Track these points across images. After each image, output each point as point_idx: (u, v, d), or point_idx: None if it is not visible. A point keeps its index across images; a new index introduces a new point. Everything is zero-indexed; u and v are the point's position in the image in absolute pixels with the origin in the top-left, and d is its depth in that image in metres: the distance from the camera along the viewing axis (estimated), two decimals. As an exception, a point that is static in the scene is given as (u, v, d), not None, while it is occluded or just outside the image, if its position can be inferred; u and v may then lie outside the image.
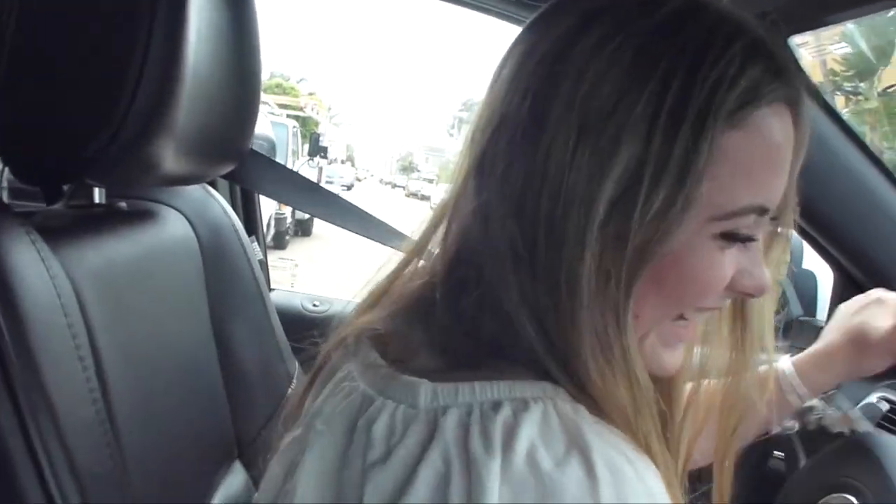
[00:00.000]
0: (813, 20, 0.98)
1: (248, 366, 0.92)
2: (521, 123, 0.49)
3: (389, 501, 0.45)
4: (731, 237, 0.50)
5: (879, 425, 1.10)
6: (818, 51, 12.96)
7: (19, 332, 0.54)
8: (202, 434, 0.84)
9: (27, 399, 0.54)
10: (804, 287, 1.46)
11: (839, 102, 13.65)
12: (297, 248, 9.44)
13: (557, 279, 0.47)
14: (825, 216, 1.16)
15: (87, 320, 0.61)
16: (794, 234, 1.32)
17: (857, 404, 1.18)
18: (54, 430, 0.56)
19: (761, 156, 0.49)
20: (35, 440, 0.55)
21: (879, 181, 1.12)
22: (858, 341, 0.84)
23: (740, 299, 0.57)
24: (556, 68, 0.48)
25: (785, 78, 0.49)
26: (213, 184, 1.08)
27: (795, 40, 1.06)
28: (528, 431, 0.44)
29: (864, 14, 0.94)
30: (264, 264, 1.51)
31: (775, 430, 0.86)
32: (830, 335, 0.88)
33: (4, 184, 0.79)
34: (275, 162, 1.09)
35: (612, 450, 0.44)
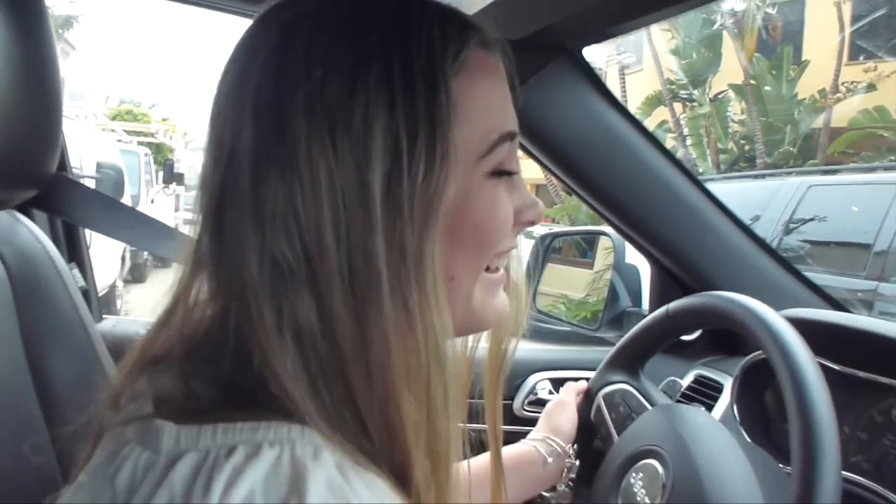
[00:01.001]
0: (597, 34, 1.07)
1: (67, 395, 0.89)
2: (262, 145, 0.48)
3: None
4: (500, 173, 0.54)
5: (683, 397, 1.21)
6: (656, 63, 13.76)
7: None
8: (19, 465, 0.82)
9: None
10: (630, 281, 1.57)
11: (678, 109, 14.64)
12: (161, 279, 9.03)
13: (352, 281, 0.47)
14: (638, 217, 1.26)
15: None
16: (615, 232, 1.43)
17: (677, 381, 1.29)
18: None
19: (489, 88, 0.55)
20: None
21: (682, 182, 1.23)
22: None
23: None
24: (282, 81, 0.49)
25: (476, 28, 0.55)
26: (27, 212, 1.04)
27: (591, 51, 1.15)
28: (252, 478, 0.42)
29: (642, 26, 1.03)
30: (92, 293, 1.45)
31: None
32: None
33: None
34: (80, 184, 1.06)
35: (334, 498, 0.42)
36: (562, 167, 1.24)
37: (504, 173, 0.55)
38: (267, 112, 0.48)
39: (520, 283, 0.66)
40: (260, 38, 0.52)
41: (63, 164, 1.12)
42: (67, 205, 1.02)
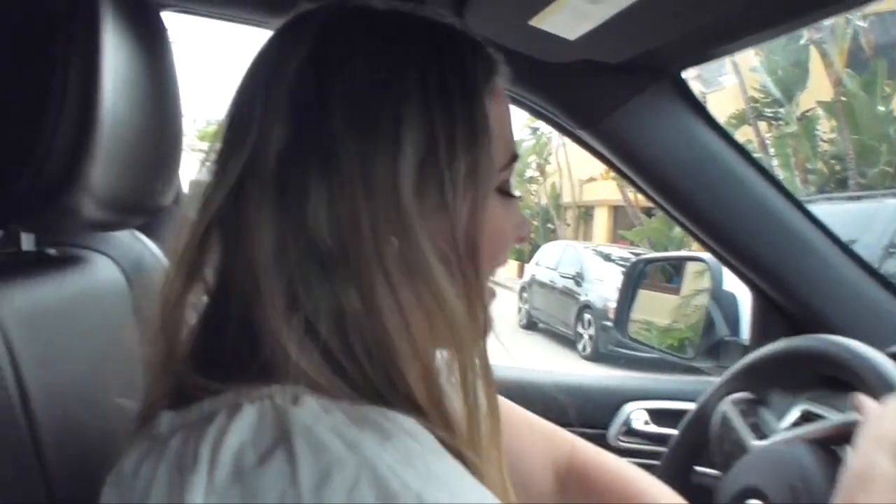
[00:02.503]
0: (698, 56, 1.06)
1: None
2: (295, 138, 0.51)
3: None
4: (507, 193, 0.59)
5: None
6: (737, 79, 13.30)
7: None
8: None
9: None
10: (727, 308, 1.53)
11: (763, 128, 14.23)
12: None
13: (413, 271, 0.49)
14: (739, 241, 1.23)
15: (13, 356, 0.64)
16: (712, 258, 1.40)
17: (781, 417, 1.25)
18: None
19: (505, 113, 0.59)
20: None
21: (782, 203, 1.20)
22: None
23: None
24: (320, 80, 0.51)
25: (497, 59, 0.58)
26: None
27: (689, 73, 1.15)
28: (237, 435, 0.43)
29: (741, 48, 1.02)
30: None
31: None
32: None
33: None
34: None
35: (320, 427, 0.43)
36: (659, 190, 1.23)
37: (509, 192, 0.59)
38: (304, 108, 0.51)
39: None
40: (291, 43, 0.54)
41: (178, 198, 1.18)
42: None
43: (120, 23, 0.71)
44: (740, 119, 14.17)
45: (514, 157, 0.60)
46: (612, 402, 1.37)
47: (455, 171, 0.51)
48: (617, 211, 20.15)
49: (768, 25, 0.96)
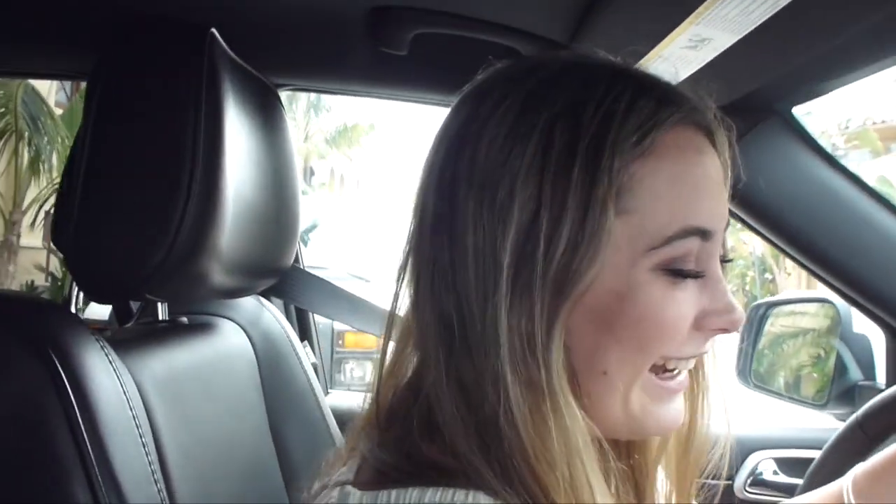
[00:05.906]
0: (807, 93, 1.03)
1: (303, 465, 0.96)
2: (438, 209, 0.51)
3: None
4: (677, 273, 0.49)
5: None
6: None
7: (93, 425, 0.63)
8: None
9: (98, 477, 0.61)
10: (860, 351, 1.44)
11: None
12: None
13: (480, 346, 0.47)
14: (865, 280, 1.16)
15: (151, 418, 0.69)
16: (841, 300, 1.33)
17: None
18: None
19: (681, 177, 0.50)
20: None
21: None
22: None
23: None
24: (456, 152, 0.51)
25: (683, 104, 0.51)
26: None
27: (799, 110, 1.11)
28: None
29: (856, 80, 0.98)
30: (319, 368, 1.57)
31: None
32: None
33: (81, 305, 0.89)
34: (311, 274, 1.16)
35: None
36: (776, 232, 1.18)
37: (683, 273, 0.50)
38: (443, 179, 0.51)
39: (707, 389, 0.59)
40: (447, 120, 0.54)
41: (297, 258, 1.24)
42: (298, 293, 1.13)
43: (241, 101, 0.77)
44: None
45: (695, 231, 0.50)
46: (738, 451, 1.31)
47: (552, 248, 0.47)
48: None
49: (880, 56, 0.92)
